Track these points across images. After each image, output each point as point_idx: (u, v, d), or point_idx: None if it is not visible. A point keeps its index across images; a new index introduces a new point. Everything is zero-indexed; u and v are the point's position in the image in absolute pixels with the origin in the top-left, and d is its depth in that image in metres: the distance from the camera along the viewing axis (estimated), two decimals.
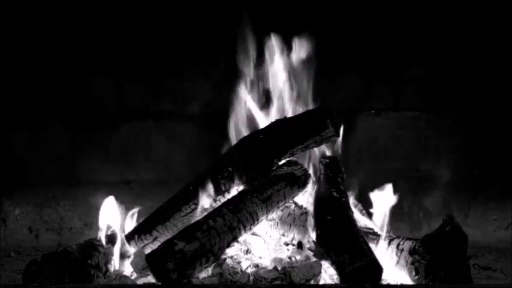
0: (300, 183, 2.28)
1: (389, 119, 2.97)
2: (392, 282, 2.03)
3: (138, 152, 2.96)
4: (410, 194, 2.93)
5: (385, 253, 2.14)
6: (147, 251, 2.09)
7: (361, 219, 2.36)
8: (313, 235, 2.20)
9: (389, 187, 2.36)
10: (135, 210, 2.37)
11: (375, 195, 2.38)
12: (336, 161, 2.50)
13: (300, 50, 2.53)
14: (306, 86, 2.54)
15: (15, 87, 2.91)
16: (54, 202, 2.99)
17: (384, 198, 2.35)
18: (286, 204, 2.27)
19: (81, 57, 2.90)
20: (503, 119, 2.94)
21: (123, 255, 2.19)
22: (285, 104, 2.53)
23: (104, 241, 2.16)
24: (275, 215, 2.26)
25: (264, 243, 2.26)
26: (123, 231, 2.26)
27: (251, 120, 2.52)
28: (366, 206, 2.42)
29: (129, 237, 2.25)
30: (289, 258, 2.15)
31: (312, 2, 2.85)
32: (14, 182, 2.97)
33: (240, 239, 2.13)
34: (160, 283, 1.90)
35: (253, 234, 2.27)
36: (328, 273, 2.07)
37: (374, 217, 2.36)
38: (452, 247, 1.91)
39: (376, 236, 2.22)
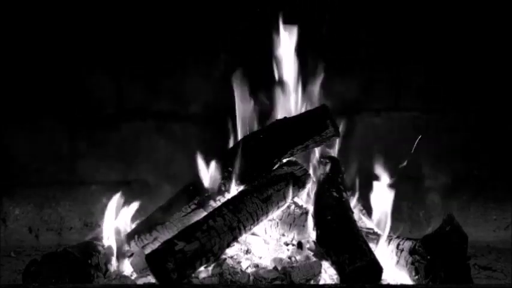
0: (300, 183, 2.28)
1: (389, 119, 2.97)
2: (392, 282, 2.03)
3: (138, 152, 2.96)
4: (410, 194, 2.92)
5: (385, 253, 2.14)
6: (147, 251, 2.09)
7: (361, 219, 2.36)
8: (313, 235, 2.20)
9: (389, 187, 2.36)
10: (135, 209, 2.38)
11: (374, 195, 2.38)
12: (336, 161, 2.50)
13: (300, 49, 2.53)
14: (306, 86, 2.54)
15: (15, 87, 2.91)
16: (54, 202, 2.98)
17: (383, 198, 2.35)
18: (286, 204, 2.27)
19: (81, 57, 2.89)
20: (503, 119, 2.94)
21: (123, 255, 2.19)
22: (286, 103, 2.53)
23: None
24: (275, 215, 2.26)
25: (264, 243, 2.26)
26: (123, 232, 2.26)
27: (251, 120, 2.52)
28: (366, 206, 2.42)
29: (129, 237, 2.24)
30: (289, 258, 2.15)
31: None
32: (14, 182, 2.96)
33: (240, 239, 2.13)
34: (160, 283, 1.90)
35: (253, 234, 2.27)
36: (328, 273, 2.07)
37: (374, 217, 2.36)
38: (452, 247, 1.91)
39: (376, 236, 2.22)
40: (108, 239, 2.19)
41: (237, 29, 2.83)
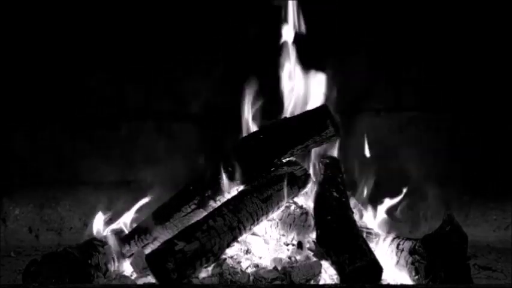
0: (300, 183, 2.28)
1: (389, 119, 2.97)
2: (392, 282, 2.03)
3: (138, 152, 2.96)
4: (410, 193, 2.92)
5: (385, 253, 2.14)
6: (147, 251, 2.09)
7: (361, 219, 2.36)
8: (313, 235, 2.20)
9: (388, 187, 2.36)
10: (135, 210, 2.38)
11: (374, 195, 2.38)
12: (336, 161, 2.50)
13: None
14: (306, 86, 2.54)
15: (16, 87, 2.91)
16: (54, 202, 2.99)
17: (383, 198, 2.35)
18: (286, 204, 2.27)
19: (81, 57, 2.90)
20: (503, 119, 2.94)
21: (123, 255, 2.19)
22: (286, 103, 2.53)
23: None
24: (275, 215, 2.26)
25: (264, 243, 2.26)
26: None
27: (251, 120, 2.52)
28: (366, 206, 2.42)
29: (129, 237, 2.25)
30: (289, 258, 2.15)
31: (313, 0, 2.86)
32: (14, 182, 2.97)
33: (240, 239, 2.13)
34: (160, 283, 1.90)
35: (253, 234, 2.27)
36: (328, 273, 2.07)
37: (374, 217, 2.36)
38: (452, 247, 1.91)
39: (376, 236, 2.22)
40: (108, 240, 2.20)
41: (236, 30, 2.84)
